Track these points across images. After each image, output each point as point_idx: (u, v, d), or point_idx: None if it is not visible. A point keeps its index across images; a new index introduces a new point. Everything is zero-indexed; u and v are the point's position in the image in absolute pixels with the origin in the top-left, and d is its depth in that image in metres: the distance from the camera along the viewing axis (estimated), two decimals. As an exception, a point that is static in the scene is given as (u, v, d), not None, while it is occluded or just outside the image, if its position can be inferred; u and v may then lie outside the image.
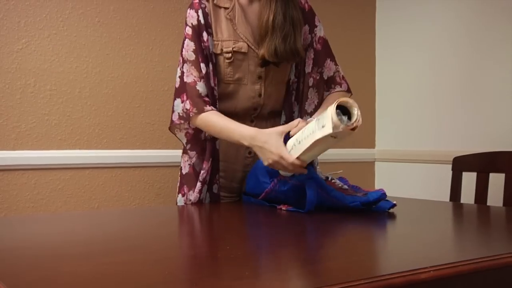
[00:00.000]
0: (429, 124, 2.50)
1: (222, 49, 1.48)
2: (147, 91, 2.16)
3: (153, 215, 1.42)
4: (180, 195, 1.57)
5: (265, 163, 1.33)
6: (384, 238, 1.05)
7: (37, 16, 1.94)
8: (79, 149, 2.04)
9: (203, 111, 1.44)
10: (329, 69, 1.61)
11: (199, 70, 1.45)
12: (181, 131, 1.53)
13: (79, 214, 1.67)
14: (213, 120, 1.43)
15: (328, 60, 1.61)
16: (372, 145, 2.80)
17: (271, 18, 1.43)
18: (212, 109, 1.45)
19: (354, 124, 1.17)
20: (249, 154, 1.56)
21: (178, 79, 1.50)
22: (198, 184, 1.49)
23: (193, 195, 1.51)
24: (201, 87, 1.45)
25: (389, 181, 2.72)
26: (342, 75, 1.64)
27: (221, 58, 1.49)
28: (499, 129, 2.20)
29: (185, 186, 1.56)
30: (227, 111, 1.51)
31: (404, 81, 2.64)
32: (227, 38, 1.48)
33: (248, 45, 1.49)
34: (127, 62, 2.12)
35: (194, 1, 1.50)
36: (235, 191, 1.60)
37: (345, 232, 1.10)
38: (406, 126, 2.62)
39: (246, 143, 1.37)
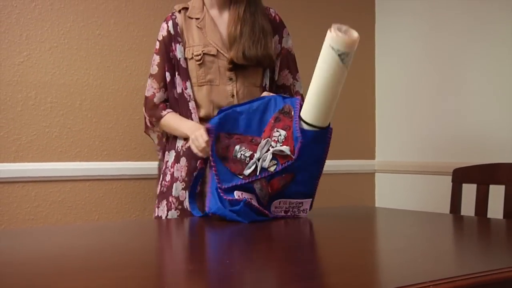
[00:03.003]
0: (429, 135, 2.50)
1: (193, 53, 1.60)
2: (147, 103, 2.16)
3: (153, 228, 1.42)
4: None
5: (193, 148, 1.48)
6: (383, 252, 1.05)
7: (38, 29, 1.96)
8: (80, 161, 2.04)
9: (161, 117, 1.64)
10: (285, 79, 1.71)
11: (160, 81, 1.65)
12: (154, 132, 1.74)
13: (78, 227, 1.66)
14: (168, 120, 1.63)
15: (286, 71, 1.70)
16: (372, 156, 2.80)
17: (238, 27, 1.57)
18: (168, 112, 1.64)
19: (355, 34, 1.21)
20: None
21: (146, 91, 1.71)
22: (177, 185, 1.59)
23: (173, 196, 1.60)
24: (158, 98, 1.65)
25: (390, 192, 2.72)
26: (297, 91, 1.71)
27: (192, 62, 1.61)
28: (499, 141, 2.21)
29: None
30: (207, 114, 1.61)
31: (405, 92, 2.65)
32: (197, 43, 1.61)
33: (217, 49, 1.60)
34: (127, 74, 2.13)
35: (168, 15, 1.66)
36: None
37: (342, 246, 1.10)
38: (406, 137, 2.62)
39: (189, 132, 1.54)
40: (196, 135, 1.46)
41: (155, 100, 1.66)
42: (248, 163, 1.35)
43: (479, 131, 2.27)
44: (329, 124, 1.35)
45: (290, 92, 1.70)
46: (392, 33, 2.72)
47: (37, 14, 1.95)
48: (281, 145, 1.34)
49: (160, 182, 1.66)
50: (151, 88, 1.66)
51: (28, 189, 1.94)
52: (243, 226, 1.30)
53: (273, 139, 1.36)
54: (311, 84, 1.32)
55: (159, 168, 1.73)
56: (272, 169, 1.35)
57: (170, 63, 1.63)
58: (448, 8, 2.44)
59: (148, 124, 1.70)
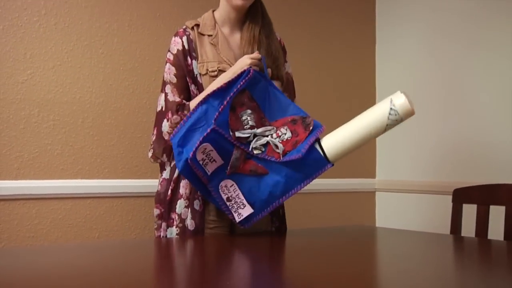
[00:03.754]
0: (430, 154, 2.51)
1: (207, 69, 1.59)
2: (149, 121, 2.17)
3: (154, 248, 1.42)
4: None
5: (247, 64, 1.49)
6: (384, 273, 1.05)
7: (42, 48, 1.98)
8: (81, 178, 2.05)
9: (189, 107, 1.55)
10: None
11: (180, 92, 1.58)
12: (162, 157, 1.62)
13: (78, 245, 1.66)
14: (197, 98, 1.55)
15: (286, 95, 1.70)
16: (372, 175, 2.81)
17: (254, 49, 1.59)
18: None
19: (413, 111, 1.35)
20: None
21: (163, 102, 1.60)
22: (181, 202, 1.55)
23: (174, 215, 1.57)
24: (181, 105, 1.57)
25: (390, 211, 2.72)
26: None
27: (206, 78, 1.59)
28: (500, 161, 2.21)
29: (155, 204, 1.64)
30: None
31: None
32: (212, 60, 1.60)
33: (230, 66, 1.58)
34: (130, 92, 2.15)
35: (179, 30, 1.63)
36: (224, 217, 1.58)
37: (341, 267, 1.10)
38: (407, 156, 2.63)
39: (229, 74, 1.52)
40: (246, 58, 1.50)
41: (184, 107, 1.56)
42: (245, 129, 1.41)
43: (480, 150, 2.28)
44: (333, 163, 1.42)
45: None
46: (392, 48, 2.75)
47: (41, 33, 1.97)
48: (280, 141, 1.39)
49: (160, 200, 1.62)
50: (173, 95, 1.58)
51: (29, 206, 1.94)
52: (243, 247, 1.30)
53: (277, 132, 1.42)
54: (351, 123, 1.41)
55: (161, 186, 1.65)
56: (255, 151, 1.40)
57: (190, 77, 1.59)
58: (449, 23, 2.46)
59: (173, 126, 1.55)
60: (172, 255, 1.30)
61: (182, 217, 1.57)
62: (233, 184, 1.40)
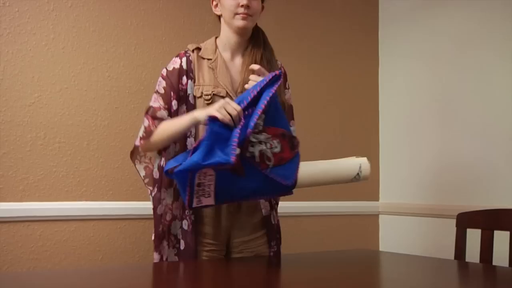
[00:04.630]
0: (433, 177, 2.51)
1: (202, 92, 1.61)
2: (154, 144, 2.19)
3: (155, 272, 1.42)
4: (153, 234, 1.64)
5: (214, 112, 1.37)
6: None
7: (50, 71, 2.01)
8: (85, 200, 2.06)
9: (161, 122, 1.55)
10: None
11: (165, 102, 1.58)
12: (140, 163, 1.64)
13: (81, 270, 1.66)
14: (169, 121, 1.54)
15: None
16: (376, 197, 2.81)
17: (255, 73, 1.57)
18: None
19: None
20: None
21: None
22: (168, 216, 1.57)
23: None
24: (162, 114, 1.57)
25: (394, 234, 2.71)
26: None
27: (200, 101, 1.61)
28: (504, 185, 2.21)
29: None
30: None
31: (408, 133, 2.67)
32: (208, 83, 1.62)
33: (226, 91, 1.61)
34: (135, 115, 2.17)
35: (180, 52, 1.67)
36: (220, 239, 1.61)
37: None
38: (410, 179, 2.63)
39: (197, 114, 1.46)
40: (223, 104, 1.39)
41: (158, 115, 1.58)
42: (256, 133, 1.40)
43: (484, 174, 2.28)
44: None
45: None
46: (395, 73, 2.77)
47: (49, 57, 2.00)
48: (271, 154, 1.40)
49: (158, 222, 1.60)
50: (157, 102, 1.60)
51: (33, 228, 1.95)
52: (243, 272, 1.30)
53: (270, 142, 1.41)
54: (320, 165, 1.60)
55: (154, 207, 1.62)
56: (248, 154, 1.37)
57: (177, 94, 1.60)
58: (449, 46, 2.49)
59: (144, 134, 1.57)
60: (174, 281, 1.30)
61: (178, 237, 1.58)
62: (212, 175, 1.37)
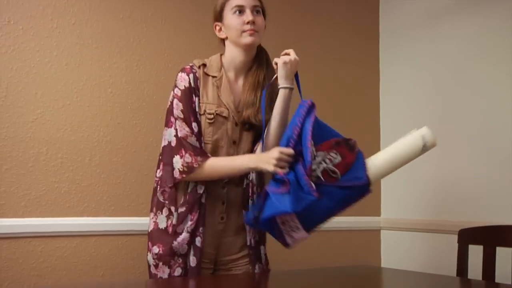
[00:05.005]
0: (435, 192, 2.51)
1: (205, 110, 1.63)
2: (155, 159, 2.18)
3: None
4: (149, 253, 1.65)
5: (271, 167, 1.47)
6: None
7: (53, 87, 2.02)
8: (87, 216, 2.06)
9: (207, 157, 1.58)
10: None
11: (190, 127, 1.60)
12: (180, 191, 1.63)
13: (81, 286, 1.66)
14: (217, 161, 1.59)
15: None
16: (377, 213, 2.80)
17: (258, 93, 1.66)
18: (210, 156, 1.60)
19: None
20: (221, 219, 1.66)
21: (173, 138, 1.60)
22: (185, 235, 1.57)
23: (159, 249, 1.59)
24: (192, 141, 1.59)
25: (395, 250, 2.70)
26: None
27: (203, 118, 1.63)
28: (507, 201, 2.21)
29: (149, 242, 1.65)
30: None
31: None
32: (211, 102, 1.64)
33: (229, 111, 1.64)
34: (137, 131, 2.18)
35: (186, 67, 1.67)
36: (208, 257, 1.64)
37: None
38: (412, 194, 2.62)
39: (251, 164, 1.55)
40: (279, 157, 1.47)
41: (189, 141, 1.58)
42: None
43: (486, 189, 2.28)
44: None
45: None
46: (395, 86, 2.78)
47: (52, 73, 2.02)
48: (334, 166, 1.45)
49: (170, 238, 1.61)
50: (183, 130, 1.59)
51: (34, 244, 1.95)
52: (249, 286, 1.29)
53: (328, 157, 1.46)
54: (385, 153, 1.59)
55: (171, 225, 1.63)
56: (313, 179, 1.43)
57: (194, 115, 1.62)
58: (451, 61, 2.50)
59: (185, 169, 1.56)
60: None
61: (184, 256, 1.59)
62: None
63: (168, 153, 1.61)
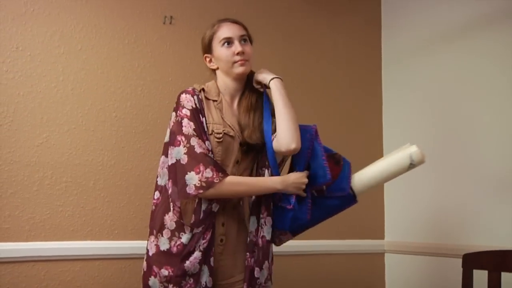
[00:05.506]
0: (439, 216, 2.50)
1: (213, 130, 1.65)
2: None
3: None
4: (152, 277, 1.61)
5: (300, 192, 1.64)
6: None
7: (58, 112, 2.05)
8: (91, 240, 2.06)
9: (227, 174, 1.59)
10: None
11: (204, 143, 1.61)
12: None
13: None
14: (239, 180, 1.64)
15: None
16: (381, 236, 2.79)
17: (251, 115, 1.72)
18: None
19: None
20: (221, 241, 1.65)
21: (183, 156, 1.58)
22: (197, 253, 1.57)
23: (167, 271, 1.57)
24: (212, 157, 1.60)
25: (400, 273, 2.68)
26: None
27: (211, 138, 1.64)
28: (510, 224, 2.20)
29: (154, 266, 1.61)
30: None
31: (414, 171, 2.67)
32: (217, 122, 1.67)
33: (234, 131, 1.68)
34: (141, 154, 2.19)
35: (187, 89, 1.68)
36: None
37: None
38: (416, 217, 2.62)
39: (279, 186, 1.63)
40: (302, 184, 1.64)
41: (211, 159, 1.58)
42: None
43: (490, 213, 2.27)
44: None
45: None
46: (398, 110, 2.80)
47: (58, 98, 2.05)
48: None
49: (183, 258, 1.59)
50: (200, 147, 1.58)
51: (38, 268, 1.95)
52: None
53: None
54: (373, 168, 1.70)
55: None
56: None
57: (205, 134, 1.63)
58: (454, 81, 2.52)
59: (203, 184, 1.54)
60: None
61: (196, 276, 1.58)
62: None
63: (179, 170, 1.58)
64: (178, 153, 1.59)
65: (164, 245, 1.61)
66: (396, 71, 2.82)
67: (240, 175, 1.69)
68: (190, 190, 1.55)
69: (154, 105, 2.24)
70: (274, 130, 1.68)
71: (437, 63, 2.58)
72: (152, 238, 1.65)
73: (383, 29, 2.92)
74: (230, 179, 1.58)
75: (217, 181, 1.54)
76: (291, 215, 1.64)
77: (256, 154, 1.74)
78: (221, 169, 1.58)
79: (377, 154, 2.83)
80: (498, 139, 2.29)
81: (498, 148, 2.28)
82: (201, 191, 1.54)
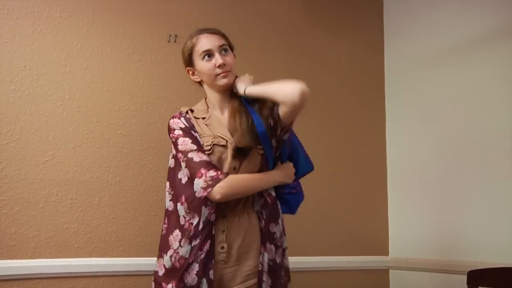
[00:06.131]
0: (443, 232, 2.50)
1: (203, 143, 1.66)
2: (164, 200, 2.21)
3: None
4: None
5: (292, 179, 1.76)
6: None
7: (64, 130, 2.07)
8: (95, 257, 2.07)
9: (227, 174, 1.61)
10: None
11: (204, 154, 1.62)
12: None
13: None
14: (244, 175, 1.66)
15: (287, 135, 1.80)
16: (385, 252, 2.78)
17: (237, 119, 1.68)
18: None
19: None
20: (222, 249, 1.65)
21: (186, 170, 1.63)
22: (194, 265, 1.58)
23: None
24: (211, 163, 1.63)
25: (405, 290, 2.67)
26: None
27: None
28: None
29: (162, 283, 1.63)
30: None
31: (417, 187, 2.68)
32: (207, 135, 1.69)
33: (226, 140, 1.67)
34: (146, 171, 2.21)
35: (174, 114, 1.74)
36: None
37: None
38: (420, 233, 2.61)
39: (281, 179, 1.72)
40: (292, 172, 1.76)
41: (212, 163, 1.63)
42: None
43: (495, 230, 2.26)
44: None
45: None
46: (402, 130, 2.81)
47: (64, 116, 2.07)
48: None
49: (185, 272, 1.61)
50: (198, 157, 1.62)
51: (43, 285, 1.95)
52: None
53: None
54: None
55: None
56: None
57: (202, 147, 1.65)
58: (457, 103, 2.53)
59: (210, 182, 1.57)
60: None
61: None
62: None
63: (188, 185, 1.63)
64: (180, 173, 1.66)
65: (168, 263, 1.65)
66: (399, 87, 2.84)
67: None
68: (199, 193, 1.59)
69: (159, 122, 2.26)
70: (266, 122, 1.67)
71: (440, 78, 2.60)
72: (161, 260, 1.68)
73: (386, 45, 2.94)
74: (235, 176, 1.62)
75: (222, 177, 1.58)
76: (296, 197, 1.82)
77: (261, 157, 1.70)
78: (222, 170, 1.62)
79: (380, 169, 2.85)
80: (502, 154, 2.29)
81: (503, 163, 2.29)
82: (209, 189, 1.57)
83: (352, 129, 2.81)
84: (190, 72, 1.76)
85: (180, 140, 1.66)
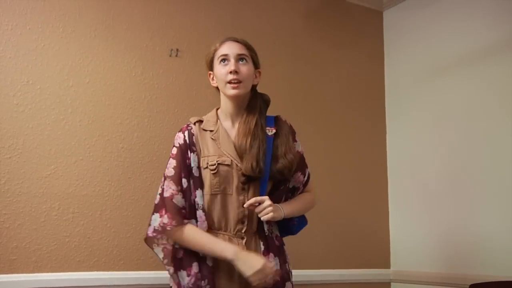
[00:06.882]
0: (445, 245, 2.49)
1: (208, 163, 1.65)
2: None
3: None
4: None
5: (249, 272, 1.52)
6: None
7: (67, 144, 2.08)
8: (96, 270, 2.07)
9: (182, 224, 1.59)
10: (297, 180, 1.78)
11: (178, 184, 1.62)
12: (158, 246, 1.62)
13: None
14: (193, 233, 1.59)
15: (299, 173, 1.77)
16: (387, 265, 2.77)
17: (248, 140, 1.65)
18: (189, 222, 1.60)
19: None
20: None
21: (158, 196, 1.65)
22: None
23: None
24: (178, 200, 1.61)
25: (407, 304, 2.65)
26: (306, 181, 1.81)
27: (207, 171, 1.66)
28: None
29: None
30: (218, 223, 1.65)
31: (419, 200, 2.68)
32: (212, 154, 1.67)
33: (231, 160, 1.65)
34: (147, 185, 2.21)
35: (182, 126, 1.74)
36: None
37: None
38: (421, 246, 2.60)
39: (230, 255, 1.56)
40: (266, 271, 1.53)
41: (175, 201, 1.60)
42: None
43: (498, 243, 2.26)
44: None
45: (299, 189, 1.79)
46: (402, 142, 2.81)
47: (66, 130, 2.09)
48: None
49: None
50: (169, 189, 1.61)
51: (43, 300, 1.95)
52: None
53: None
54: None
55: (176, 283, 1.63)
56: None
57: (186, 170, 1.64)
58: (458, 114, 2.54)
59: (159, 229, 1.58)
60: None
61: None
62: None
63: (153, 209, 1.65)
64: (158, 191, 1.67)
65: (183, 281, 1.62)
66: (399, 98, 2.85)
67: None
68: (150, 231, 1.61)
69: (161, 136, 2.28)
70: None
71: (439, 90, 2.61)
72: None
73: (386, 57, 2.96)
74: (183, 230, 1.58)
75: (169, 228, 1.58)
76: (299, 225, 1.81)
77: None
78: (176, 217, 1.58)
79: (381, 181, 2.85)
80: (505, 167, 2.29)
81: (506, 176, 2.29)
82: (155, 235, 1.60)
83: (353, 141, 2.81)
84: (211, 76, 1.76)
85: (169, 162, 1.67)
